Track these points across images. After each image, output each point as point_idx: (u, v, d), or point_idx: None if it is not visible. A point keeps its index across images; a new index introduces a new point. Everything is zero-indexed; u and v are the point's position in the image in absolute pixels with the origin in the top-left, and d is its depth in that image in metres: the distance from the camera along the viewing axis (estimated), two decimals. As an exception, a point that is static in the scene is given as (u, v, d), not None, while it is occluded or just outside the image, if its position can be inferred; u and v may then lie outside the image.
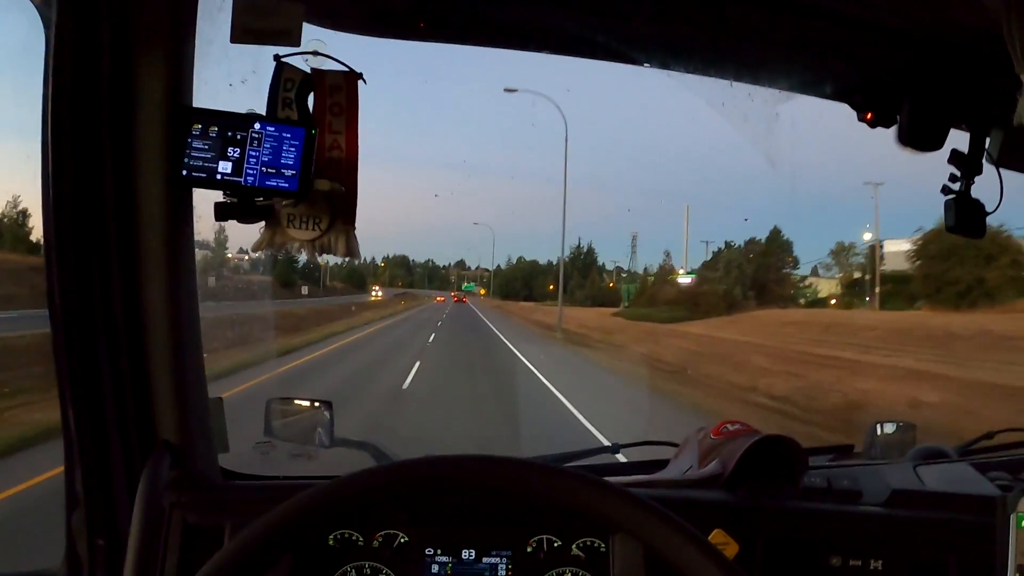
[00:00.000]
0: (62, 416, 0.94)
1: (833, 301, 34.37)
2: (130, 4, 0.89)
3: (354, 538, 1.01)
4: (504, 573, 1.01)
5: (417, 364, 12.41)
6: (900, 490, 1.10)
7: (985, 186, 1.20)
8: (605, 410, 8.76)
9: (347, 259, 1.01)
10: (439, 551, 1.01)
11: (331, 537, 1.01)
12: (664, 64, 1.11)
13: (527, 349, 16.89)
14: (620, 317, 33.25)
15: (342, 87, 0.98)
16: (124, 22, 0.89)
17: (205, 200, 0.95)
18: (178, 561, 0.96)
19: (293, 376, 10.92)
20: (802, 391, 10.74)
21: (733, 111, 1.16)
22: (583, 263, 64.61)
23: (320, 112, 0.98)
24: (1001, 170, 1.20)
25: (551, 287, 62.37)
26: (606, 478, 1.10)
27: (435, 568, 1.01)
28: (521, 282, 71.27)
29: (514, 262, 77.41)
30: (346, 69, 0.98)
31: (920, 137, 1.13)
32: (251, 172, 0.90)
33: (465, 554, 1.01)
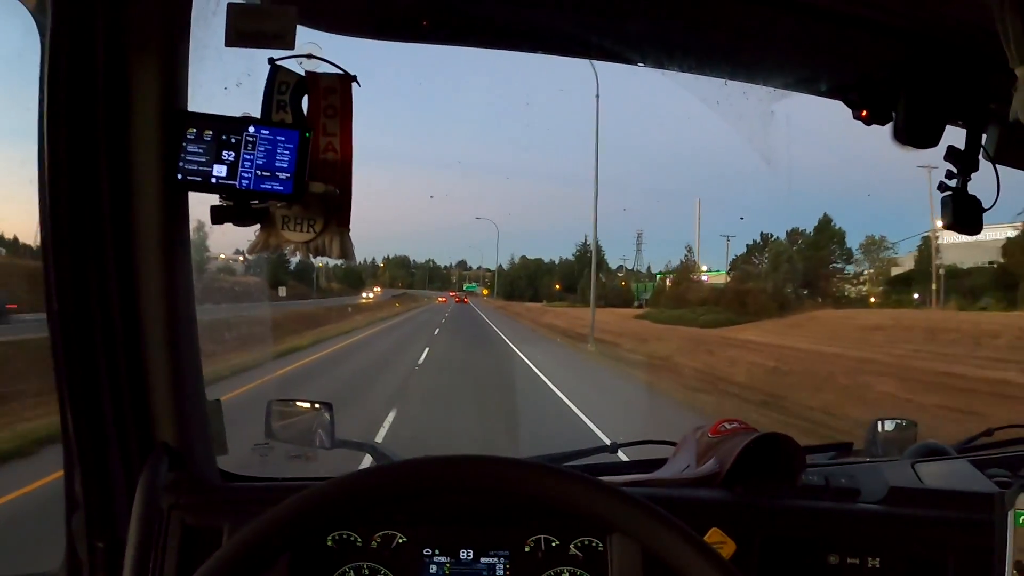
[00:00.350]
0: (61, 419, 0.94)
1: (872, 299, 31.10)
2: (124, 10, 0.90)
3: (352, 539, 1.01)
4: (502, 573, 1.01)
5: (392, 415, 7.71)
6: (898, 488, 1.10)
7: (982, 182, 1.20)
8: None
9: (342, 260, 1.01)
10: (437, 551, 1.01)
11: (329, 538, 1.01)
12: (659, 63, 1.11)
13: (560, 373, 12.43)
14: (646, 320, 29.79)
15: (336, 89, 0.98)
16: (119, 28, 0.90)
17: (201, 204, 0.95)
18: (177, 563, 0.96)
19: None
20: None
21: (728, 110, 1.16)
22: (590, 261, 62.40)
23: (314, 114, 0.98)
24: (998, 166, 1.20)
25: (557, 286, 60.30)
26: (604, 477, 1.11)
27: (433, 568, 1.01)
28: (526, 282, 68.45)
29: (516, 262, 74.45)
30: (340, 71, 0.98)
31: (916, 134, 1.13)
32: (246, 175, 0.91)
33: (463, 554, 1.02)
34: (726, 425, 1.18)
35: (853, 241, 34.24)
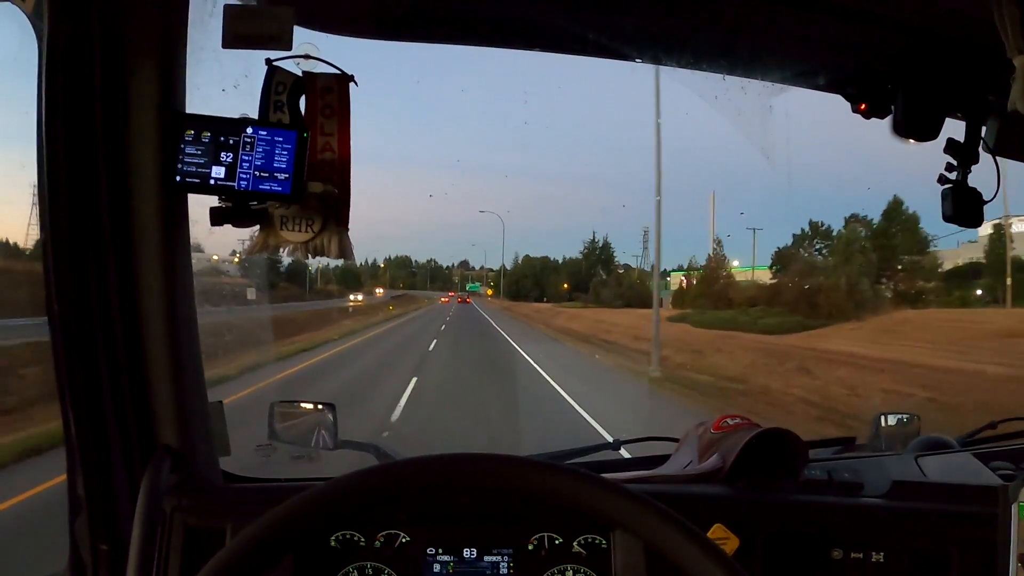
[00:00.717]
0: (63, 422, 0.94)
1: (923, 297, 26.52)
2: (121, 13, 0.90)
3: (355, 538, 1.01)
4: (506, 571, 1.01)
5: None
6: (901, 481, 1.10)
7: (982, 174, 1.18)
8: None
9: (340, 260, 1.01)
10: (440, 550, 1.01)
11: (333, 538, 1.01)
12: (656, 59, 1.11)
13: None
14: (685, 323, 24.97)
15: (333, 89, 0.99)
16: (115, 31, 0.90)
17: (201, 205, 0.94)
18: (180, 564, 0.97)
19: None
20: None
21: (727, 105, 1.16)
22: (599, 258, 58.48)
23: (312, 114, 0.98)
24: (998, 158, 1.20)
25: (565, 286, 56.98)
26: (607, 474, 1.11)
27: (437, 567, 1.01)
28: (531, 281, 64.45)
29: (520, 261, 70.70)
30: (337, 71, 0.98)
31: (915, 127, 1.13)
32: (244, 176, 0.91)
33: (467, 553, 1.02)
34: (729, 421, 1.18)
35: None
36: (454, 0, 1.04)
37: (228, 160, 0.91)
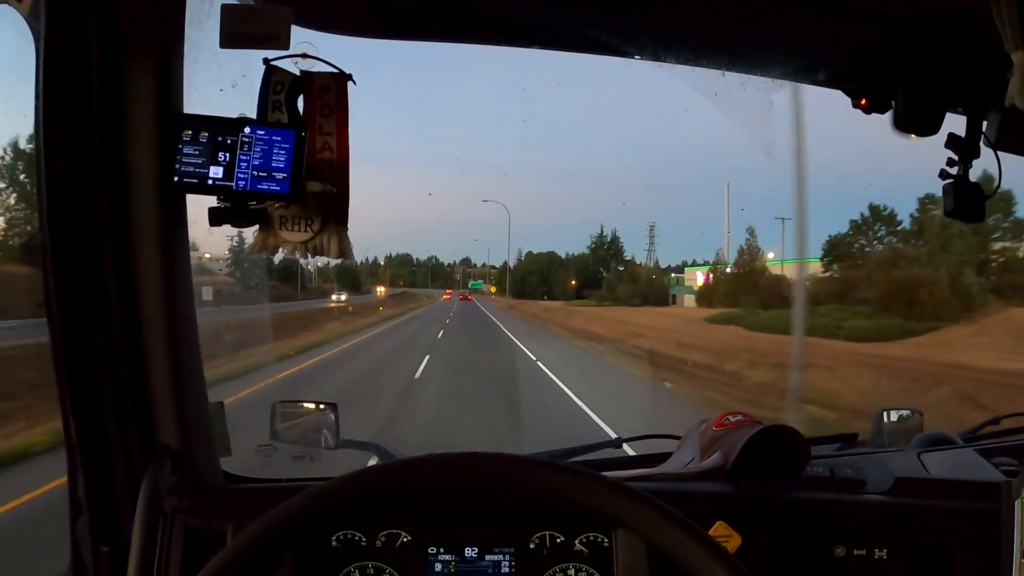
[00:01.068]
0: (63, 424, 0.94)
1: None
2: (118, 14, 0.90)
3: (357, 538, 1.01)
4: (508, 570, 1.01)
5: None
6: (904, 478, 1.09)
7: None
8: None
9: (339, 259, 1.01)
10: (442, 549, 1.01)
11: (334, 538, 1.01)
12: (655, 56, 1.10)
13: None
14: (732, 325, 21.85)
15: (331, 88, 0.98)
16: (113, 32, 0.90)
17: (200, 205, 0.94)
18: (181, 565, 0.97)
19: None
20: None
21: (726, 101, 1.15)
22: (607, 253, 55.76)
23: (310, 114, 0.98)
24: (999, 153, 1.19)
25: (573, 283, 54.04)
26: (608, 472, 1.11)
27: (438, 567, 1.01)
28: (538, 278, 60.79)
29: (523, 257, 67.05)
30: (335, 70, 0.98)
31: (916, 122, 1.12)
32: (242, 176, 0.90)
33: (468, 552, 1.01)
34: (730, 418, 1.17)
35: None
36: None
37: (226, 160, 0.90)
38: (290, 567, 0.95)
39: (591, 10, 1.04)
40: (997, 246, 23.23)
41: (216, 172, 0.90)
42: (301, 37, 0.97)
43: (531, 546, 1.02)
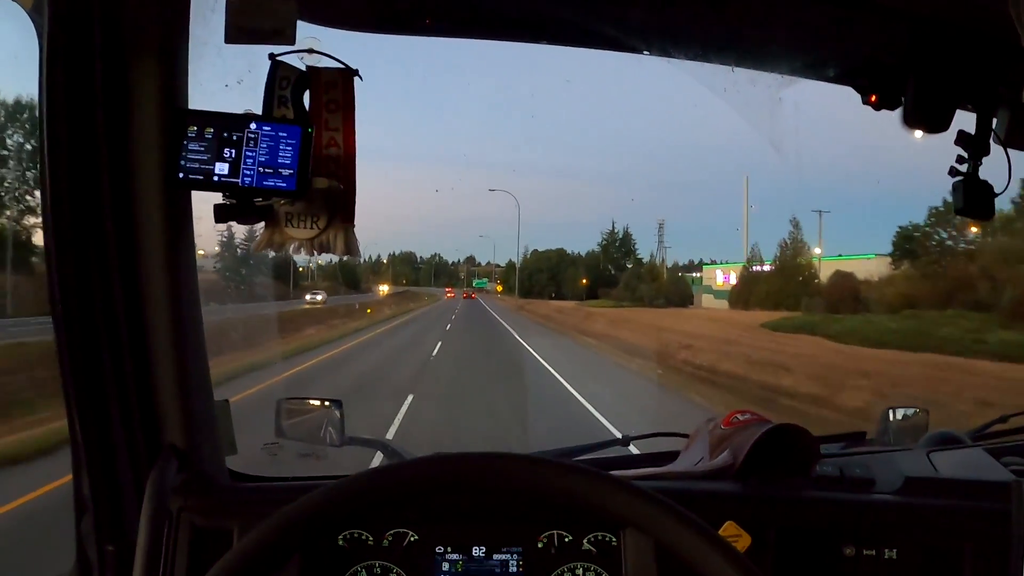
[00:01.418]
0: (68, 422, 0.94)
1: None
2: (122, 9, 0.89)
3: (364, 537, 1.01)
4: (515, 569, 1.01)
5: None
6: (913, 477, 1.09)
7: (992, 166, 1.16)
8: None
9: (345, 256, 1.00)
10: (449, 549, 1.01)
11: (340, 537, 1.00)
12: (664, 52, 1.09)
13: None
14: (811, 334, 17.72)
15: (338, 83, 0.97)
16: (117, 27, 0.89)
17: (205, 202, 0.92)
18: (187, 565, 0.96)
19: None
20: None
21: (736, 97, 1.14)
22: (619, 251, 52.32)
23: (316, 109, 0.97)
24: (1009, 150, 1.19)
25: (584, 282, 50.13)
26: (617, 471, 1.10)
27: (446, 566, 1.00)
28: (546, 276, 56.54)
29: (529, 255, 62.28)
30: (341, 66, 0.97)
31: (926, 118, 1.12)
32: (248, 173, 0.90)
33: (476, 551, 1.01)
34: (739, 416, 1.17)
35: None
36: None
37: (231, 156, 0.89)
38: (297, 566, 0.94)
39: (598, 5, 1.03)
40: None
41: (222, 168, 0.89)
42: (307, 33, 0.96)
43: (539, 545, 1.01)
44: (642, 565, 0.96)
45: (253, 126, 0.90)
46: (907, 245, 25.12)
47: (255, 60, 0.96)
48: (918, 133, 1.12)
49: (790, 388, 10.59)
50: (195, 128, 0.89)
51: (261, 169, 0.90)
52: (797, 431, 1.10)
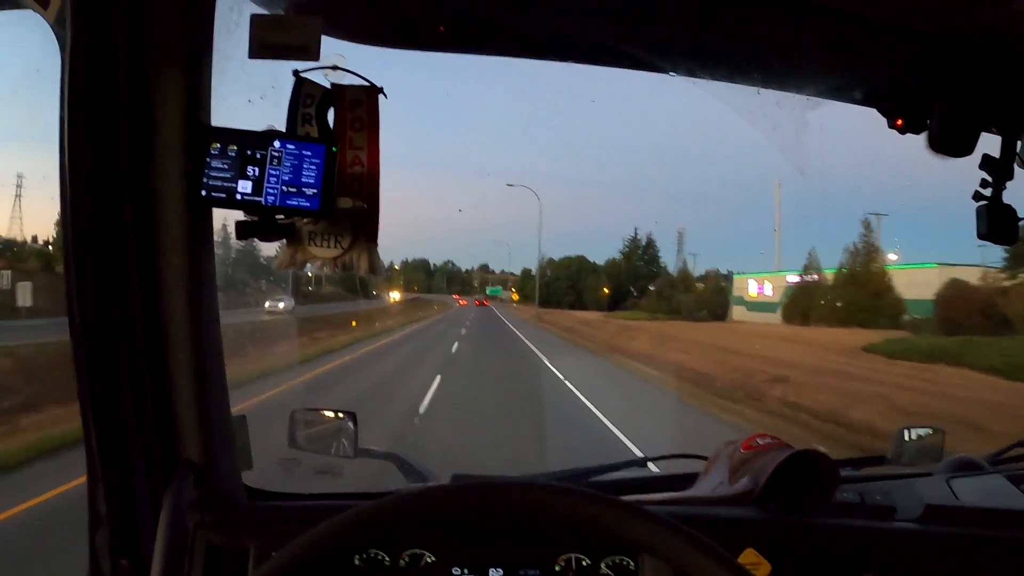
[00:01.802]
0: (84, 435, 0.94)
1: None
2: (145, 22, 0.88)
3: (380, 557, 1.00)
4: None
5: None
6: (934, 505, 1.08)
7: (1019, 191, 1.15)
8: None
9: (372, 275, 1.00)
10: (466, 570, 1.00)
11: (357, 558, 0.99)
12: (690, 72, 1.09)
13: None
14: (963, 367, 12.79)
15: (363, 101, 0.97)
16: (140, 40, 0.88)
17: (224, 214, 0.87)
18: None
19: None
20: None
21: (761, 119, 1.14)
22: (642, 259, 50.12)
23: (341, 128, 0.96)
24: None
25: (606, 291, 47.98)
26: (636, 495, 1.09)
27: None
28: (566, 284, 53.12)
29: (545, 263, 57.52)
30: (366, 83, 0.97)
31: (951, 143, 1.11)
32: (271, 191, 0.89)
33: (492, 573, 1.00)
34: (759, 440, 1.16)
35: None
36: (485, 12, 1.02)
37: (255, 175, 0.89)
38: None
39: (624, 25, 1.02)
40: None
41: (245, 187, 0.89)
42: (332, 48, 0.96)
43: (556, 568, 1.00)
44: None
45: (277, 144, 0.90)
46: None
47: (279, 76, 0.96)
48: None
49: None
50: (218, 145, 0.89)
51: (285, 188, 0.89)
52: (818, 457, 1.09)
